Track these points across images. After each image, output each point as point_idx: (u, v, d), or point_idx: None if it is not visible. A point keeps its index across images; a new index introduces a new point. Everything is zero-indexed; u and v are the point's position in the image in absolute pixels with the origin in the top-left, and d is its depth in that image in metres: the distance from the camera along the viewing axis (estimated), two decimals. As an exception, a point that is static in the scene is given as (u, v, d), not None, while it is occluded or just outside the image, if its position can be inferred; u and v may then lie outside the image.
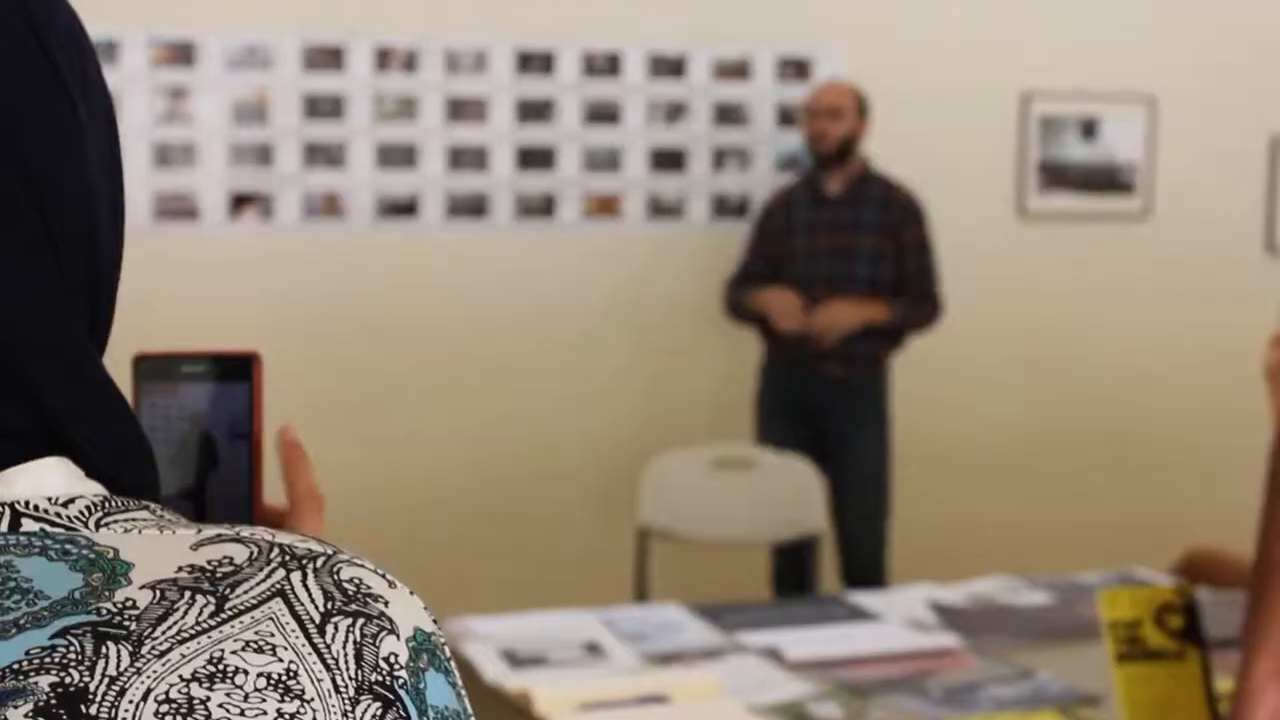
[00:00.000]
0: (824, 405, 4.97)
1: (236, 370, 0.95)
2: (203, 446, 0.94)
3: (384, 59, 5.21)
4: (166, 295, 5.03)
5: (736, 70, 5.56)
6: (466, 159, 5.32)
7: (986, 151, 5.82)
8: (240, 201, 5.13)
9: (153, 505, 0.73)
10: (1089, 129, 5.98)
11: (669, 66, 5.49)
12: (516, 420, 5.43)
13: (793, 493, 4.45)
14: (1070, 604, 3.39)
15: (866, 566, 4.88)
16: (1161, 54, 6.02)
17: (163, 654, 0.65)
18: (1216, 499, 6.07)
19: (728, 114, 5.57)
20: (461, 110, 5.30)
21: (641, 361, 5.55)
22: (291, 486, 0.92)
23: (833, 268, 4.94)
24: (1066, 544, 5.82)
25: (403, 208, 5.27)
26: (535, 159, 5.38)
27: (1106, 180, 6.02)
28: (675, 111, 5.52)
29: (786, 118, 5.62)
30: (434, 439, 5.35)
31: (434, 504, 5.35)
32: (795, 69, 5.62)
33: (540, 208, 5.40)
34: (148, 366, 0.94)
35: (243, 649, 0.66)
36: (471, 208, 5.33)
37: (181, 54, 5.03)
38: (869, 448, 5.00)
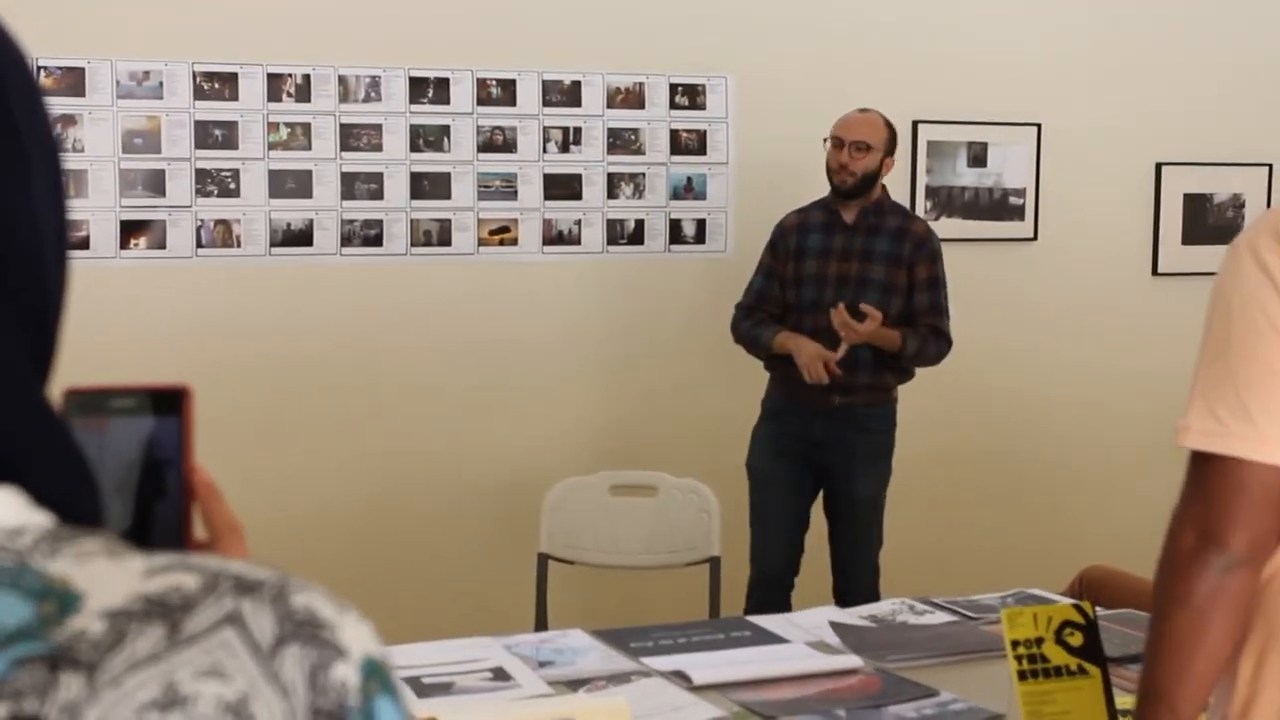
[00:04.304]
0: (828, 436, 4.88)
1: (167, 404, 0.95)
2: (140, 479, 0.94)
3: (276, 86, 5.18)
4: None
5: (630, 98, 5.59)
6: (360, 187, 5.29)
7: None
8: (131, 230, 5.07)
9: (102, 534, 0.73)
10: (977, 156, 6.07)
11: (563, 93, 5.51)
12: (415, 448, 5.40)
13: (692, 518, 4.47)
14: (971, 623, 3.43)
15: (861, 596, 4.74)
16: (1047, 82, 6.12)
17: (118, 683, 0.65)
18: (1101, 519, 6.18)
19: (622, 141, 5.59)
20: (355, 138, 5.28)
21: (544, 389, 5.54)
22: (210, 522, 0.93)
23: (842, 296, 4.81)
24: (954, 566, 5.88)
25: (297, 236, 5.23)
26: (430, 187, 5.37)
27: (995, 205, 6.10)
28: (569, 138, 5.53)
29: (679, 145, 5.65)
30: (331, 468, 5.31)
31: (329, 533, 5.31)
32: (687, 97, 5.66)
33: (436, 235, 5.39)
34: (77, 401, 0.93)
35: (197, 676, 0.66)
36: (366, 236, 5.31)
37: (71, 81, 4.98)
38: (870, 481, 4.95)
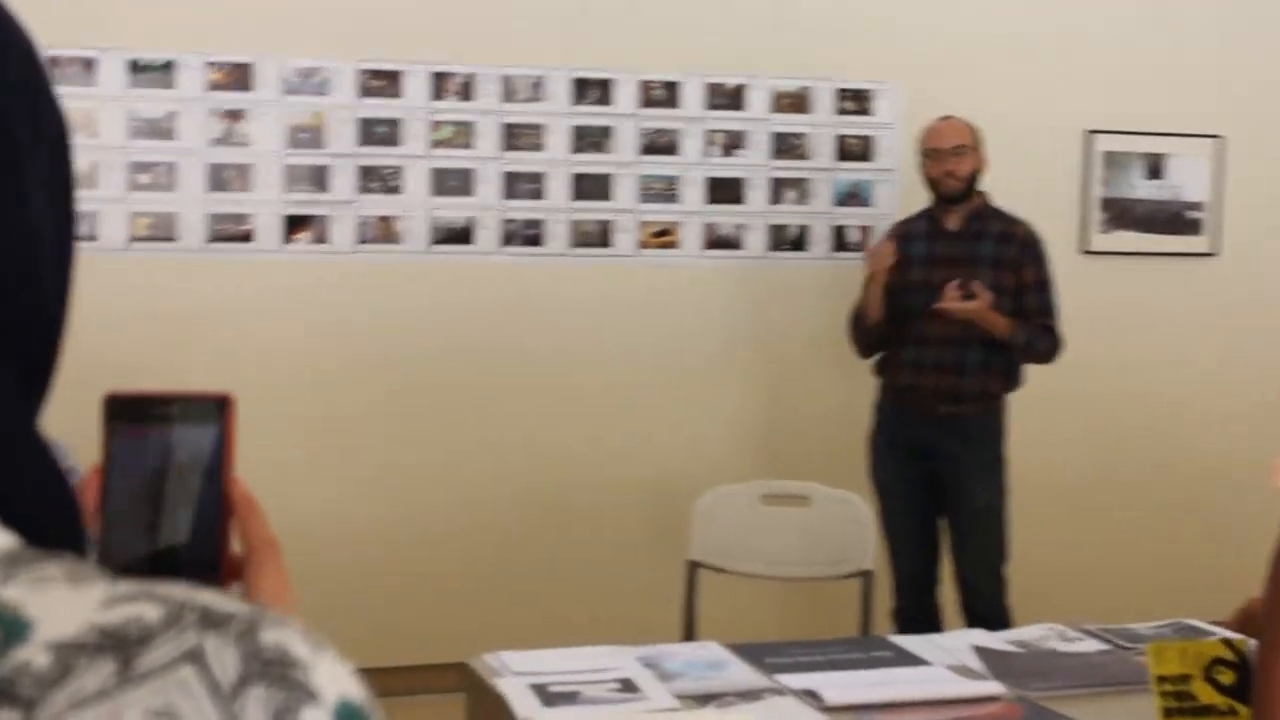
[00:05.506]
0: (938, 446, 4.88)
1: (208, 413, 0.92)
2: (177, 489, 0.91)
3: (440, 85, 5.20)
4: (219, 316, 5.04)
5: (795, 103, 5.52)
6: (522, 186, 5.29)
7: (1049, 189, 5.74)
8: (295, 225, 5.12)
9: (69, 558, 0.68)
10: (1154, 168, 5.89)
11: (727, 97, 5.46)
12: (567, 447, 5.39)
13: (845, 530, 4.38)
14: (1122, 653, 3.30)
15: (989, 612, 4.74)
16: (1229, 93, 5.93)
17: None
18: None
19: (786, 146, 5.52)
20: (518, 137, 5.28)
21: (699, 394, 5.50)
22: (246, 537, 0.88)
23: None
24: (1130, 588, 5.72)
25: (457, 234, 5.25)
26: (591, 187, 5.35)
27: (1172, 219, 5.93)
28: (733, 142, 5.48)
29: (845, 151, 5.57)
30: (484, 465, 5.32)
31: (477, 530, 5.31)
32: (855, 103, 5.57)
33: (596, 236, 5.37)
34: (118, 406, 0.91)
35: (147, 717, 0.61)
36: (526, 235, 5.31)
37: (239, 77, 5.04)
38: (984, 493, 4.90)
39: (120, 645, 0.62)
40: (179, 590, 0.66)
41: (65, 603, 0.64)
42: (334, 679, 0.65)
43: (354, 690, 0.66)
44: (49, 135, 0.76)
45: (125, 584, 0.66)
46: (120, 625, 0.63)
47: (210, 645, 0.63)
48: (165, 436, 0.91)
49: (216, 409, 0.91)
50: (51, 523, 0.71)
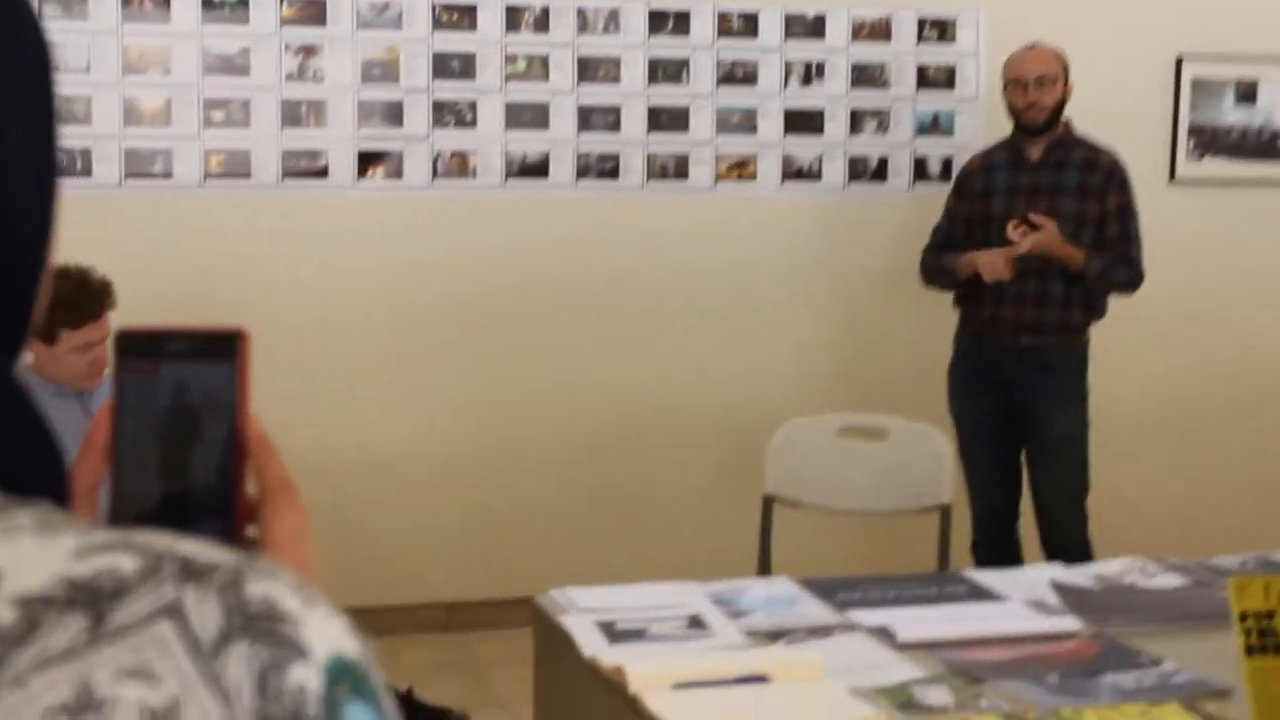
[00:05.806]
0: (1018, 378, 4.83)
1: (221, 348, 0.89)
2: (190, 427, 0.88)
3: (514, 18, 5.15)
4: (293, 253, 5.04)
5: (876, 31, 5.42)
6: (598, 119, 5.24)
7: (1137, 116, 5.62)
8: (369, 160, 5.10)
9: (44, 507, 0.64)
10: (1246, 93, 5.75)
11: (806, 26, 5.37)
12: (643, 381, 5.36)
13: (923, 463, 4.33)
14: (1204, 588, 3.23)
15: (1069, 544, 4.70)
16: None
17: (22, 682, 0.56)
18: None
19: (866, 76, 5.44)
20: (593, 70, 5.23)
21: (776, 326, 5.45)
22: (262, 478, 0.84)
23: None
24: (1215, 521, 5.64)
25: (532, 168, 5.21)
26: (668, 120, 5.30)
27: (1263, 146, 5.79)
28: (812, 72, 5.40)
29: (926, 79, 5.47)
30: (559, 399, 5.30)
31: (551, 465, 5.30)
32: (937, 31, 5.47)
33: (673, 169, 5.31)
34: (129, 342, 0.88)
35: (118, 677, 0.57)
36: (602, 169, 5.26)
37: (312, 12, 5.01)
38: (1065, 423, 4.83)
39: (92, 599, 0.58)
40: (158, 539, 0.62)
41: (34, 554, 0.60)
42: (326, 634, 0.61)
43: (348, 645, 0.62)
44: (26, 63, 0.71)
45: (101, 533, 0.62)
46: (92, 577, 0.59)
47: (190, 599, 0.59)
48: (178, 373, 0.88)
49: (230, 344, 0.88)
50: (30, 472, 0.67)
